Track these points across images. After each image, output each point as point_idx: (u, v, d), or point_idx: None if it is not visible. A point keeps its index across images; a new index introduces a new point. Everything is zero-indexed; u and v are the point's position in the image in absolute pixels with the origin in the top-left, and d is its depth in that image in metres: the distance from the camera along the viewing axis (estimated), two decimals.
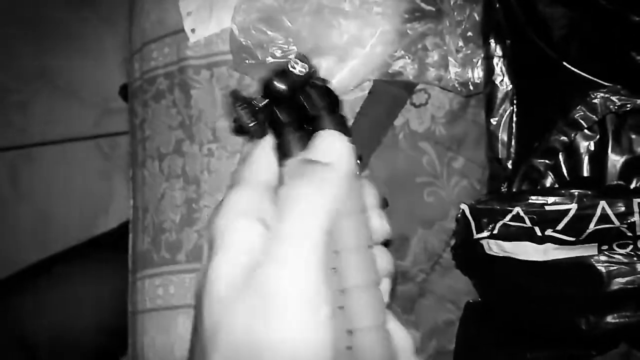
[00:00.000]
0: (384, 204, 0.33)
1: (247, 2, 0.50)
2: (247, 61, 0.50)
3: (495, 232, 0.39)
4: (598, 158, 0.42)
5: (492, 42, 0.45)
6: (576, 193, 0.37)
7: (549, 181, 0.44)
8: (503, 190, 0.43)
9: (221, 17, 0.54)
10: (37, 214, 1.32)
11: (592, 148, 0.43)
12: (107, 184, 1.32)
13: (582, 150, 0.43)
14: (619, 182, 0.40)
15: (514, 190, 0.43)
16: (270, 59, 0.50)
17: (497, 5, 0.43)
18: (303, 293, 0.25)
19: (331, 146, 0.27)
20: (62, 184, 1.33)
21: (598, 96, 0.39)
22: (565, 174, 0.43)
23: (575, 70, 0.40)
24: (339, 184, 0.26)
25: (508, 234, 0.38)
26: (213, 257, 0.26)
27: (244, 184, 0.28)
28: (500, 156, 0.45)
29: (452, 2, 0.47)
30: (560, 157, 0.43)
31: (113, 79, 1.26)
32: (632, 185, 0.40)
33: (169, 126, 0.55)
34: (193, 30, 0.54)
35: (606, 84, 0.39)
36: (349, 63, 0.52)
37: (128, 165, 0.60)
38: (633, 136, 0.42)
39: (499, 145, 0.45)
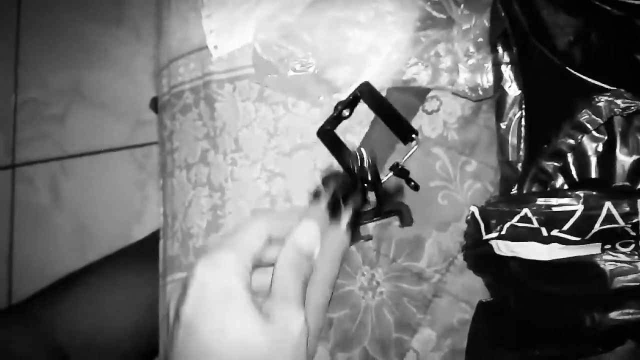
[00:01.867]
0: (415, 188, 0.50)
1: (268, 21, 0.52)
2: (269, 75, 0.53)
3: (503, 232, 0.40)
4: (606, 159, 0.43)
5: (500, 49, 0.47)
6: (582, 194, 0.38)
7: (559, 182, 0.45)
8: (514, 192, 0.45)
9: (242, 34, 0.57)
10: (76, 223, 1.37)
11: (600, 149, 0.44)
12: (141, 193, 1.37)
13: (590, 152, 0.44)
14: (625, 183, 0.41)
15: (524, 191, 0.44)
16: (291, 72, 0.52)
17: (503, 14, 0.44)
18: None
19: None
20: (99, 193, 1.38)
21: (602, 100, 0.40)
22: (574, 175, 0.44)
23: (580, 75, 0.41)
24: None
25: (516, 235, 0.40)
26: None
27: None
28: (510, 159, 0.46)
29: (459, 12, 0.48)
30: (569, 158, 0.44)
31: (144, 92, 1.31)
32: (638, 186, 0.41)
33: (195, 137, 0.58)
34: (216, 47, 0.57)
35: (610, 87, 0.40)
36: (366, 72, 0.54)
37: (159, 175, 0.64)
38: None
39: (509, 149, 0.46)
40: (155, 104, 0.66)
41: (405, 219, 0.49)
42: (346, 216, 0.42)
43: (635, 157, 0.43)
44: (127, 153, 1.37)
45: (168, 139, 0.61)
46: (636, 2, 0.41)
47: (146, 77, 1.35)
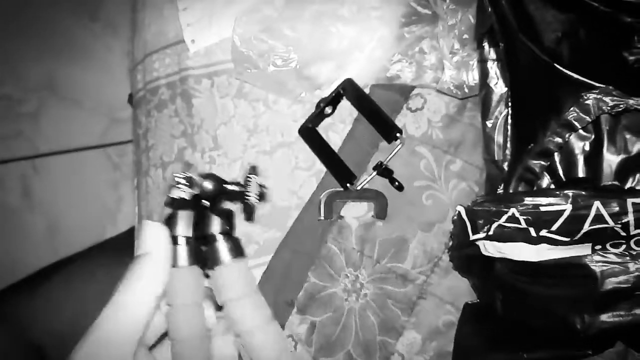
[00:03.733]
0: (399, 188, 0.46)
1: (248, 14, 0.50)
2: (249, 70, 0.51)
3: (490, 233, 0.39)
4: (593, 158, 0.42)
5: (486, 45, 0.46)
6: (571, 194, 0.37)
7: (545, 182, 0.44)
8: (500, 191, 0.44)
9: (220, 28, 0.55)
10: (48, 222, 1.34)
11: (587, 148, 0.43)
12: (115, 193, 1.34)
13: (577, 151, 0.43)
14: (614, 182, 0.40)
15: (510, 191, 0.43)
16: (272, 67, 0.50)
17: (489, 10, 0.43)
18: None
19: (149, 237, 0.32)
20: (72, 193, 1.34)
21: (590, 97, 0.39)
22: (561, 175, 0.43)
23: (567, 72, 0.40)
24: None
25: (503, 235, 0.39)
26: None
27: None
28: (496, 158, 0.45)
29: (445, 6, 0.47)
30: (556, 157, 0.44)
31: (120, 89, 1.27)
32: (628, 185, 0.40)
33: (171, 135, 0.56)
34: (193, 41, 0.55)
35: (598, 85, 0.39)
36: (349, 68, 0.52)
37: (134, 173, 0.61)
38: (628, 136, 0.42)
39: (495, 147, 0.46)
40: (132, 99, 0.64)
41: (380, 211, 0.48)
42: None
43: (622, 156, 0.42)
44: (101, 152, 1.34)
45: (143, 137, 0.59)
46: None
47: (122, 73, 1.32)
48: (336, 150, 0.50)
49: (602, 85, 0.39)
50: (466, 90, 0.48)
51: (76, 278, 0.71)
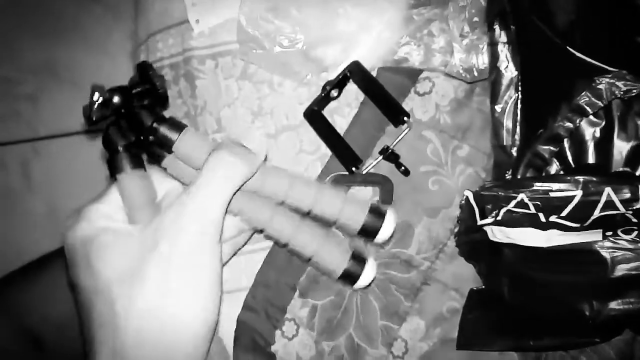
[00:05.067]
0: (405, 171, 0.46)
1: None
2: (254, 51, 0.50)
3: (499, 218, 0.38)
4: (603, 144, 0.42)
5: (497, 28, 0.45)
6: (581, 179, 0.37)
7: (554, 168, 0.44)
8: (508, 177, 0.43)
9: (225, 8, 0.54)
10: (48, 207, 1.33)
11: (598, 134, 0.42)
12: None
13: (587, 137, 0.42)
14: (625, 168, 0.40)
15: (518, 177, 0.42)
16: (278, 48, 0.50)
17: None
18: (199, 248, 0.32)
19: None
20: (73, 176, 1.34)
21: (603, 82, 0.38)
22: (570, 161, 0.43)
23: (580, 55, 0.39)
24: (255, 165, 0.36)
25: (512, 221, 0.38)
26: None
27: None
28: (505, 143, 0.45)
29: None
30: (565, 143, 0.43)
31: (120, 71, 1.26)
32: (638, 172, 0.40)
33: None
34: (197, 21, 0.54)
35: (611, 69, 0.39)
36: (356, 51, 0.51)
37: None
38: (639, 122, 0.42)
39: (504, 132, 0.45)
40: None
41: (385, 196, 0.48)
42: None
43: (633, 142, 0.41)
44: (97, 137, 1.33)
45: None
46: None
47: (123, 56, 1.31)
48: (342, 134, 0.50)
49: (615, 70, 0.39)
50: (475, 73, 0.47)
51: None
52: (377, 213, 0.39)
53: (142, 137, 0.36)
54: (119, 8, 1.35)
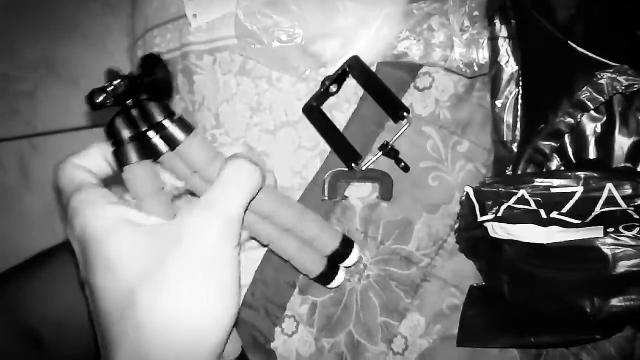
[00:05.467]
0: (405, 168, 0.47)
1: None
2: (252, 45, 0.50)
3: (499, 214, 0.38)
4: (604, 140, 0.42)
5: (497, 22, 0.44)
6: (582, 175, 0.37)
7: (554, 164, 0.43)
8: (508, 173, 0.43)
9: (223, 2, 0.53)
10: (46, 204, 1.33)
11: (599, 130, 0.42)
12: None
13: (588, 132, 0.42)
14: (626, 164, 0.39)
15: (518, 172, 0.42)
16: (276, 43, 0.49)
17: None
18: (223, 243, 0.32)
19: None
20: None
21: (605, 76, 0.38)
22: (571, 156, 0.42)
23: (582, 50, 0.39)
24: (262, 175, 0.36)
25: (512, 217, 0.38)
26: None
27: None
28: (505, 139, 0.44)
29: None
30: (566, 139, 0.43)
31: (119, 67, 1.25)
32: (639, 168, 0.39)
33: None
34: (195, 16, 0.54)
35: (613, 63, 0.38)
36: (355, 45, 0.51)
37: None
38: None
39: (504, 128, 0.45)
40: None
41: (384, 192, 0.47)
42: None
43: (634, 138, 0.41)
44: (100, 131, 1.32)
45: None
46: None
47: (121, 53, 1.30)
48: (341, 130, 0.49)
49: (616, 64, 0.38)
50: (476, 68, 0.46)
51: (72, 264, 0.71)
52: (347, 243, 0.42)
53: (148, 131, 0.35)
54: (117, 5, 1.35)
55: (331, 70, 0.50)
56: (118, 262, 0.30)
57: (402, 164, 0.48)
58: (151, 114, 0.35)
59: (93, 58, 1.36)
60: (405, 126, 0.48)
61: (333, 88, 0.50)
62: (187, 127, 0.36)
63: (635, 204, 0.35)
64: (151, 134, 0.35)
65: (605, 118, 0.42)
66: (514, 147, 0.44)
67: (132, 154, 0.35)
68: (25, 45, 1.39)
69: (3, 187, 1.36)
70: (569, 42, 0.39)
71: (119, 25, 1.34)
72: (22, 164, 1.36)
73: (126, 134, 0.35)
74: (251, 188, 0.34)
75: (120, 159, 0.35)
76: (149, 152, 0.36)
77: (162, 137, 0.35)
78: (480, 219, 0.39)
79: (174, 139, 0.35)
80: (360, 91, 0.50)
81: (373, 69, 0.50)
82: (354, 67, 0.49)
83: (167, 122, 0.35)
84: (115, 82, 0.35)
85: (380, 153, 0.48)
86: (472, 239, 0.42)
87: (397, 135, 0.48)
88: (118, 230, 0.31)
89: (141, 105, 0.36)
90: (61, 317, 0.66)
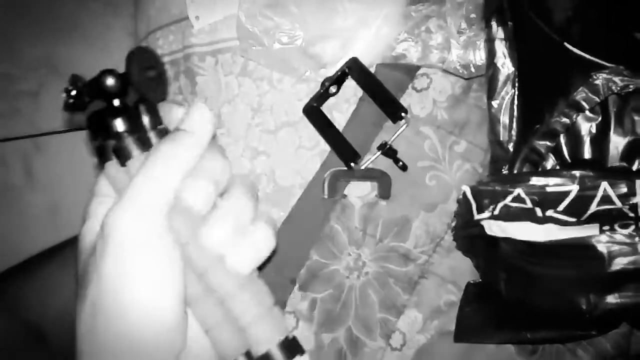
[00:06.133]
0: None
1: None
2: (254, 47, 0.50)
3: (496, 212, 0.39)
4: (600, 140, 0.42)
5: (494, 24, 0.45)
6: (578, 174, 0.37)
7: (550, 163, 0.44)
8: (504, 172, 0.44)
9: (225, 4, 0.54)
10: (50, 203, 1.33)
11: (594, 130, 0.43)
12: None
13: (583, 132, 0.43)
14: (621, 163, 0.40)
15: (515, 172, 0.43)
16: (277, 45, 0.50)
17: None
18: (141, 233, 0.28)
19: (193, 116, 0.30)
20: (74, 172, 1.33)
21: (600, 77, 0.39)
22: (567, 156, 0.43)
23: (577, 51, 0.40)
24: (192, 147, 0.30)
25: (509, 215, 0.38)
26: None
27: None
28: (501, 139, 0.45)
29: None
30: (562, 139, 0.43)
31: (120, 68, 1.26)
32: (635, 167, 0.40)
33: None
34: (197, 17, 0.55)
35: (608, 64, 0.39)
36: (355, 47, 0.52)
37: None
38: (636, 118, 0.42)
39: (501, 128, 0.45)
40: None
41: (383, 191, 0.48)
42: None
43: (630, 137, 0.42)
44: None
45: None
46: None
47: (122, 53, 1.29)
48: (340, 130, 0.50)
49: (612, 65, 0.39)
50: (473, 70, 0.47)
51: (75, 260, 0.71)
52: (291, 350, 0.28)
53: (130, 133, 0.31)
54: (119, 5, 1.35)
55: (331, 71, 0.51)
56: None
57: (401, 163, 0.49)
58: (137, 120, 0.31)
59: (95, 58, 1.36)
60: (404, 126, 0.49)
61: (333, 89, 0.51)
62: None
63: (630, 202, 0.35)
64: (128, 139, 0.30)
65: (600, 118, 0.43)
66: (510, 147, 0.44)
67: (131, 148, 0.30)
68: (27, 45, 1.39)
69: (6, 186, 1.36)
70: (565, 43, 0.40)
71: (120, 24, 1.35)
72: (26, 163, 1.36)
73: (122, 128, 0.31)
74: (164, 171, 0.29)
75: (122, 155, 0.30)
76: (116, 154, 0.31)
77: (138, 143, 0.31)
78: (477, 217, 0.39)
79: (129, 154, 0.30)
80: (360, 92, 0.51)
81: (372, 70, 0.51)
82: (354, 69, 0.50)
83: (151, 135, 0.31)
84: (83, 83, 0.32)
85: (379, 153, 0.49)
86: (469, 237, 0.43)
87: (395, 136, 0.49)
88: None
89: (127, 107, 0.31)
90: (64, 313, 0.66)
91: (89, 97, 0.32)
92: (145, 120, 0.31)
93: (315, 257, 0.48)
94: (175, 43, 0.57)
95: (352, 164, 0.48)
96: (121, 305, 0.28)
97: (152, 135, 0.31)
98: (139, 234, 0.28)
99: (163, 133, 0.31)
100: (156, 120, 0.31)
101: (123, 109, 0.31)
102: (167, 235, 0.29)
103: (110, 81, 0.31)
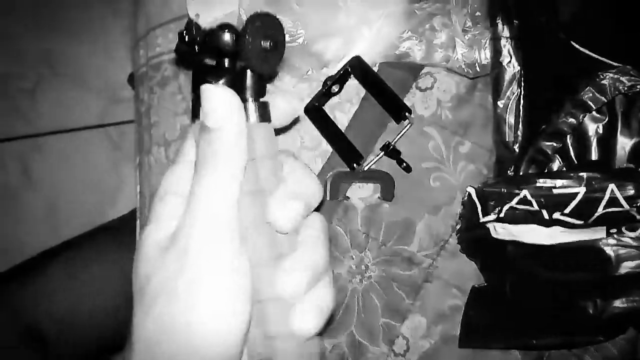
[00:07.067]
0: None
1: None
2: None
3: (501, 215, 0.38)
4: (606, 141, 0.42)
5: (500, 22, 0.44)
6: (585, 176, 0.37)
7: (556, 164, 0.43)
8: (510, 173, 0.43)
9: (225, 2, 0.53)
10: (48, 204, 1.33)
11: (601, 131, 0.42)
12: (115, 173, 1.32)
13: (590, 133, 0.42)
14: (629, 165, 0.39)
15: (520, 173, 0.42)
16: None
17: None
18: (213, 246, 0.27)
19: (216, 109, 0.28)
20: (72, 173, 1.33)
21: (607, 77, 0.38)
22: (573, 157, 0.42)
23: (584, 50, 0.39)
24: (230, 146, 0.28)
25: (515, 217, 0.38)
26: (144, 227, 0.30)
27: (175, 163, 0.32)
28: (507, 139, 0.44)
29: None
30: (568, 139, 0.43)
31: (120, 67, 1.25)
32: None
33: (174, 112, 0.55)
34: (197, 15, 0.54)
35: (615, 64, 0.38)
36: (357, 45, 0.51)
37: (135, 153, 0.60)
38: None
39: (506, 129, 0.44)
40: (133, 80, 0.63)
41: (386, 192, 0.47)
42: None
43: (637, 138, 0.41)
44: (102, 131, 1.32)
45: (145, 114, 0.58)
46: None
47: (122, 52, 1.30)
48: (343, 130, 0.49)
49: (619, 65, 0.38)
50: (478, 69, 0.46)
51: (77, 262, 0.70)
52: None
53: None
54: (118, 3, 1.34)
55: (333, 70, 0.50)
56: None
57: (404, 164, 0.48)
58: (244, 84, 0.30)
59: (94, 56, 1.36)
60: (407, 127, 0.48)
61: (335, 88, 0.50)
62: (264, 117, 0.30)
63: (638, 204, 0.35)
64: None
65: (607, 119, 0.42)
66: (516, 147, 0.44)
67: (253, 113, 0.29)
68: (26, 44, 1.39)
69: (4, 186, 1.36)
70: (571, 42, 0.39)
71: (120, 23, 1.34)
72: (24, 163, 1.36)
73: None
74: (235, 166, 0.28)
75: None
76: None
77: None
78: (482, 219, 0.39)
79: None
80: (362, 91, 0.50)
81: (375, 69, 0.50)
82: (356, 68, 0.49)
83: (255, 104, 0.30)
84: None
85: (382, 153, 0.48)
86: (473, 239, 0.42)
87: (398, 136, 0.48)
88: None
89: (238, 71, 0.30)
90: (64, 315, 0.66)
91: (200, 49, 0.30)
92: (249, 89, 0.30)
93: None
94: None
95: (355, 165, 0.47)
96: (189, 328, 0.27)
97: (251, 106, 0.29)
98: (215, 257, 0.27)
99: (263, 107, 0.30)
100: (260, 91, 0.30)
101: (229, 70, 0.30)
102: (241, 261, 0.28)
103: (226, 37, 0.29)
